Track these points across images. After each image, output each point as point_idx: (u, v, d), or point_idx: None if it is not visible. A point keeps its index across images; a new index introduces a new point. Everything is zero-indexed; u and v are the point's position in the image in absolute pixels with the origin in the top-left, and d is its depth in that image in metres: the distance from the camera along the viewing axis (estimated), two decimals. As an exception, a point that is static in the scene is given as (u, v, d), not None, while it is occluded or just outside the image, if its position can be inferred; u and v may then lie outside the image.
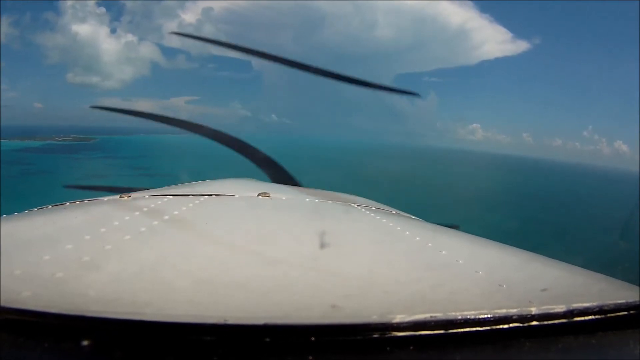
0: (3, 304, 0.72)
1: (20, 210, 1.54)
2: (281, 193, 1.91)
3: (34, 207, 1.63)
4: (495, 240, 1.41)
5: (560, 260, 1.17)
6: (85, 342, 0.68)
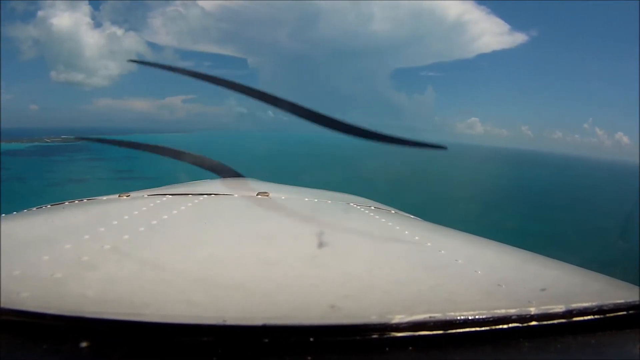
0: (2, 304, 0.72)
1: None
2: (280, 192, 1.91)
3: None
4: (494, 236, 1.41)
5: (560, 260, 1.18)
6: (84, 343, 0.68)
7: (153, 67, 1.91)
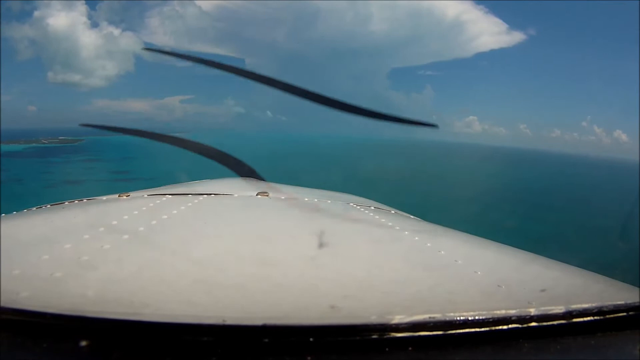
0: (2, 304, 0.72)
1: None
2: (280, 192, 1.90)
3: None
4: (493, 236, 1.41)
5: (559, 260, 1.18)
6: (83, 343, 0.68)
7: (169, 55, 1.93)
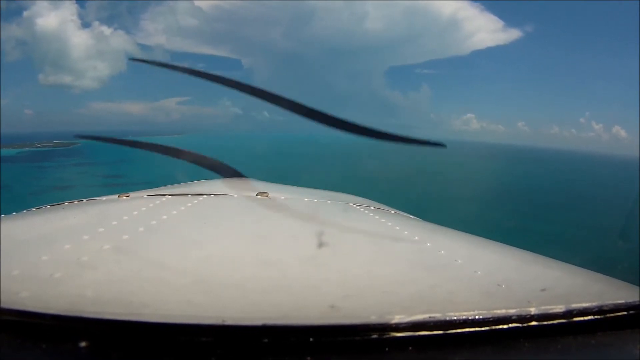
0: (2, 304, 0.72)
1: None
2: (280, 193, 1.90)
3: None
4: (493, 234, 1.41)
5: (559, 259, 1.18)
6: (83, 343, 0.68)
7: (156, 65, 1.88)
